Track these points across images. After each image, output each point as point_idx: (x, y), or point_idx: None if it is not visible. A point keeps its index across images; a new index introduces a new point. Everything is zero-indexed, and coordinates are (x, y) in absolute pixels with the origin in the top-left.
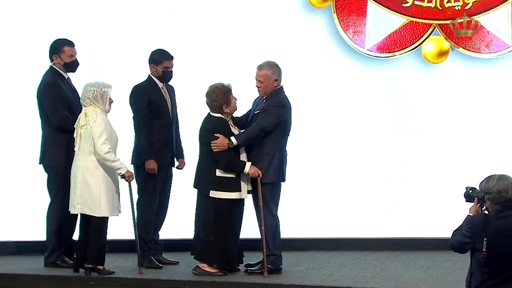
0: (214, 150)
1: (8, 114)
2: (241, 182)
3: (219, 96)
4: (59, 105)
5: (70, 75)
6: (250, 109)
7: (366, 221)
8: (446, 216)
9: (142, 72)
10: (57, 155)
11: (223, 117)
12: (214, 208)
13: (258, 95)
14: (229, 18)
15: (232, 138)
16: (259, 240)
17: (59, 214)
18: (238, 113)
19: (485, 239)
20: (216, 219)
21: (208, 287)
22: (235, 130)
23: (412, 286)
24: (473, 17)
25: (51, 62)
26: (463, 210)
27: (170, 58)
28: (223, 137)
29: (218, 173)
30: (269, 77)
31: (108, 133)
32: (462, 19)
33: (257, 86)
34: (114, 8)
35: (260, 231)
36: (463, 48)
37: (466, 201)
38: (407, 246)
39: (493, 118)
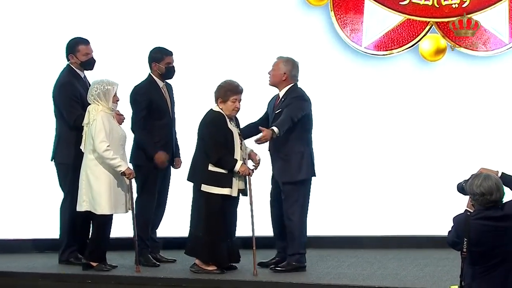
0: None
1: (24, 112)
2: (233, 179)
3: (219, 89)
4: (74, 105)
5: (88, 73)
6: (266, 111)
7: (364, 219)
8: (444, 214)
9: (142, 72)
10: (69, 152)
11: (222, 112)
12: (206, 204)
13: (271, 98)
14: (227, 16)
15: (274, 128)
16: (271, 237)
17: (72, 211)
18: (253, 118)
19: (465, 239)
20: (207, 214)
21: (205, 285)
22: (233, 128)
23: (410, 284)
24: (471, 16)
25: (68, 61)
26: (461, 209)
27: (170, 53)
28: (267, 130)
29: (211, 167)
30: (280, 68)
31: (107, 131)
32: (462, 18)
33: (268, 73)
34: (116, 7)
35: (252, 230)
36: (460, 46)
37: (459, 191)
38: (404, 244)
39: (491, 116)
